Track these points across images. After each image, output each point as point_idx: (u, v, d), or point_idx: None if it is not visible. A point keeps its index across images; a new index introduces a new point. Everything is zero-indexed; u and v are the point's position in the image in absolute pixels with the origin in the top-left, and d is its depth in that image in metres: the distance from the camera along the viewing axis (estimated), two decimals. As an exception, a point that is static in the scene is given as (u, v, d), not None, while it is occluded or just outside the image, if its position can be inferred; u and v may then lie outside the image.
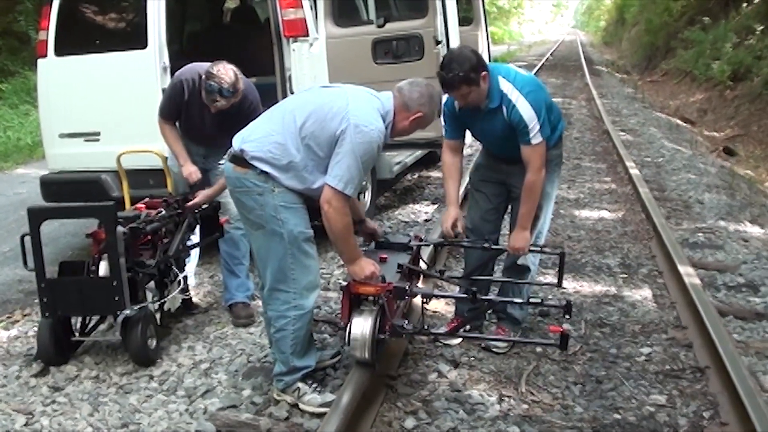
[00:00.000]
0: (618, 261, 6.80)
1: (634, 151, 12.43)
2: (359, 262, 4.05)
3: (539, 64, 34.05)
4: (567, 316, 4.26)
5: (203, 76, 4.98)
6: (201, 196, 5.24)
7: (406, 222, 8.10)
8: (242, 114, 4.98)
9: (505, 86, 4.40)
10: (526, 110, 4.36)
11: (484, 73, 4.31)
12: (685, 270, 5.94)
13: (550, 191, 4.80)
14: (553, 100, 4.71)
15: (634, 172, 9.97)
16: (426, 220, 8.09)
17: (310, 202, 3.95)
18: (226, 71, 4.93)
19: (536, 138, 4.41)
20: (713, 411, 4.17)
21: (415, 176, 10.50)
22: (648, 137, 14.09)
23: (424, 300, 4.76)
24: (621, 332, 5.22)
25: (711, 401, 4.27)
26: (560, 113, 4.86)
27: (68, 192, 6.55)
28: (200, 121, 5.24)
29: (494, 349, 4.85)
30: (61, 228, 7.90)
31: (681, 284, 5.80)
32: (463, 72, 4.22)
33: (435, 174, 10.32)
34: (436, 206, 8.63)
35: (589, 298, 5.87)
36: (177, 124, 5.43)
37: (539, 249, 4.81)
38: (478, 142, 5.07)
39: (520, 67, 4.79)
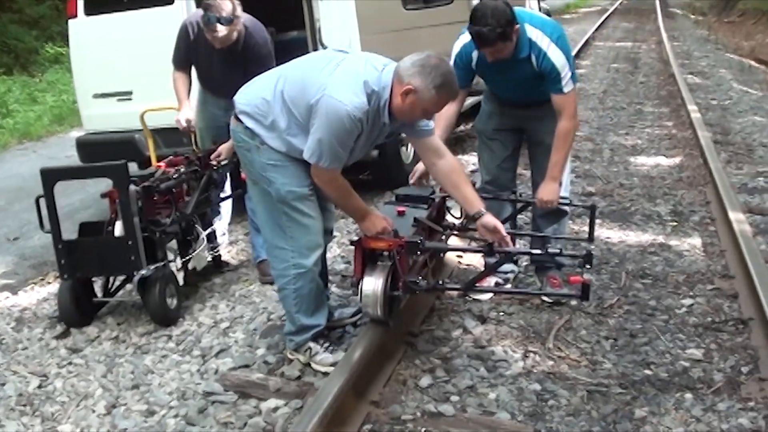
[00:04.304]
0: (669, 208, 6.50)
1: (701, 94, 12.01)
2: (370, 218, 3.87)
3: (612, 9, 33.26)
4: (588, 266, 4.00)
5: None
6: (222, 148, 5.14)
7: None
8: (249, 54, 4.89)
9: (533, 33, 4.16)
10: (558, 58, 4.15)
11: (516, 26, 4.07)
12: (736, 216, 5.63)
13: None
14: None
15: (695, 115, 9.56)
16: (472, 171, 7.84)
17: None
18: (223, 0, 4.78)
19: (568, 86, 4.23)
20: (753, 365, 3.90)
21: (469, 126, 10.24)
22: (717, 79, 13.61)
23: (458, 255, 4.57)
24: (663, 283, 4.97)
25: (751, 355, 4.01)
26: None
27: (103, 152, 6.51)
28: (210, 66, 5.13)
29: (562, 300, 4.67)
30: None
31: (732, 231, 5.49)
32: (501, 28, 3.97)
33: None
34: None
35: (634, 247, 5.61)
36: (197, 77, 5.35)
37: (568, 202, 4.58)
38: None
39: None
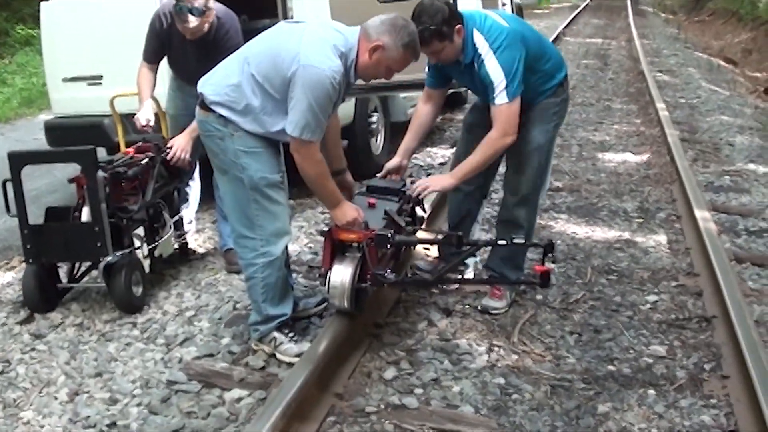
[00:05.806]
0: (636, 205, 6.54)
1: (669, 92, 12.08)
2: (341, 207, 3.87)
3: (583, 5, 33.38)
4: (550, 255, 3.99)
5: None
6: (176, 147, 4.98)
7: (421, 166, 7.90)
8: (222, 44, 4.80)
9: (478, 39, 4.06)
10: (493, 68, 4.02)
11: (458, 26, 4.01)
12: (701, 214, 5.68)
13: (542, 142, 4.44)
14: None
15: (663, 113, 9.63)
16: (441, 164, 7.87)
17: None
18: None
19: (501, 98, 4.04)
20: (715, 363, 3.94)
21: (438, 118, 10.22)
22: (685, 78, 13.71)
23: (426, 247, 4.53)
24: (629, 279, 5.00)
25: (714, 353, 4.04)
26: (560, 61, 4.52)
27: (72, 137, 6.42)
28: (184, 56, 5.05)
29: (492, 311, 4.52)
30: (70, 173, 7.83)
31: (697, 229, 5.54)
32: (435, 25, 3.90)
33: (459, 116, 10.05)
34: (454, 149, 8.37)
35: (600, 243, 5.64)
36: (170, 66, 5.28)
37: (524, 242, 4.25)
38: None
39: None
